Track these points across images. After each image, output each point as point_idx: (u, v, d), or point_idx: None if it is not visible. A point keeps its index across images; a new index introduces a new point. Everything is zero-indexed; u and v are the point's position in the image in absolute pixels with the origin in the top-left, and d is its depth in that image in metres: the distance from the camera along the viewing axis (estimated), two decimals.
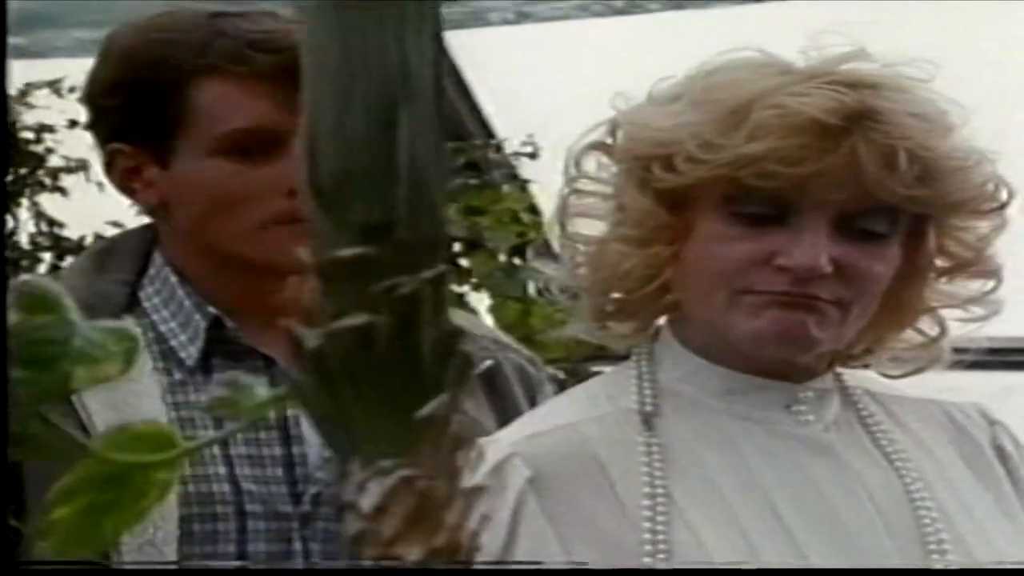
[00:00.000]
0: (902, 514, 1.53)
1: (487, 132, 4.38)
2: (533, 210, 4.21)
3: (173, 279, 1.95)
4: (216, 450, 1.87)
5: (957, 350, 1.68)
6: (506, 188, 4.23)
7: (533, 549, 1.53)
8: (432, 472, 1.12)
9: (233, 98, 1.83)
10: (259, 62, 1.81)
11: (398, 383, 1.12)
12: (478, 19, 3.81)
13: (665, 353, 1.63)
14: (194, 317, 1.92)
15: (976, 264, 1.64)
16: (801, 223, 1.53)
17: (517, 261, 4.09)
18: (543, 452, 1.61)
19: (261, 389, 1.15)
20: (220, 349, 1.93)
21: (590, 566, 1.51)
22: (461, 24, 3.59)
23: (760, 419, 1.57)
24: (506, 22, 3.87)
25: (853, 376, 1.66)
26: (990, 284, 1.66)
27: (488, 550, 1.56)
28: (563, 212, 1.68)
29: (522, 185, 4.23)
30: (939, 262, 1.63)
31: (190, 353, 1.91)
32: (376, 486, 1.11)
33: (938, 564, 1.51)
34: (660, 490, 1.53)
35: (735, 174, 1.52)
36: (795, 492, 1.53)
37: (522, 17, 3.85)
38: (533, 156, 4.24)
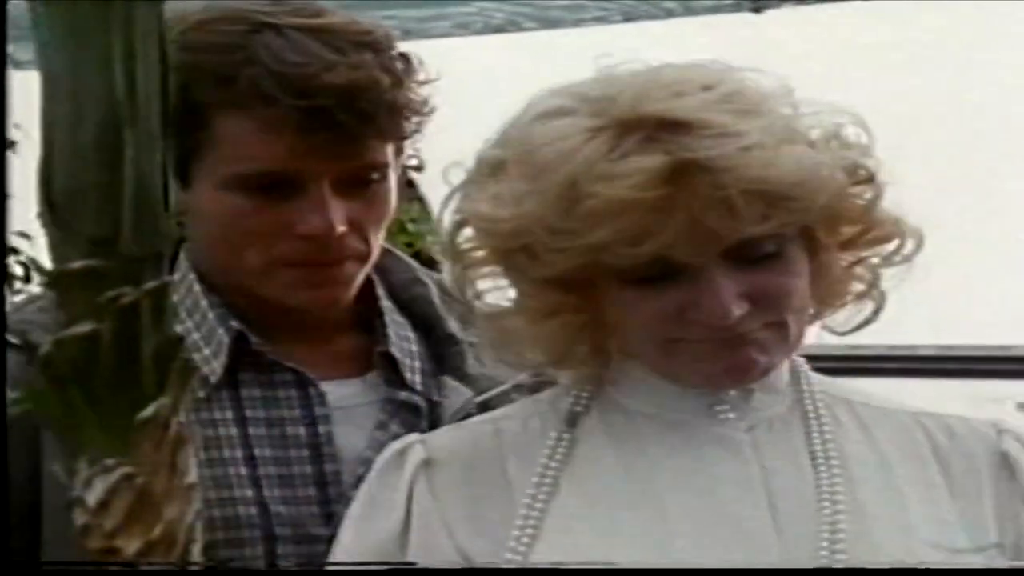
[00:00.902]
0: (803, 512, 1.52)
1: None
2: (418, 221, 4.29)
3: (198, 287, 1.83)
4: (243, 471, 1.75)
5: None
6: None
7: (420, 530, 1.56)
8: (152, 470, 1.20)
9: (252, 138, 1.72)
10: (281, 106, 1.69)
11: (121, 387, 1.19)
12: None
13: (612, 362, 1.60)
14: (217, 331, 1.80)
15: (873, 229, 1.59)
16: (695, 276, 1.48)
17: None
18: (447, 440, 1.62)
19: None
20: (248, 363, 1.80)
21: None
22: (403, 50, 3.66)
23: (677, 419, 1.57)
24: None
25: (824, 383, 1.63)
26: (895, 243, 1.59)
27: (390, 530, 1.56)
28: (463, 289, 1.60)
29: (409, 197, 4.29)
30: (844, 232, 1.58)
31: (213, 369, 1.78)
32: (100, 482, 1.19)
33: (823, 562, 1.48)
34: (548, 479, 1.55)
35: (598, 257, 1.47)
36: (685, 487, 1.53)
37: (407, 34, 3.92)
38: (419, 169, 4.30)
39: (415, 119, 1.78)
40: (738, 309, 1.48)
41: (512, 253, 1.52)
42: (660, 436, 1.56)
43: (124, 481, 1.19)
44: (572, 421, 1.58)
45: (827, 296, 1.59)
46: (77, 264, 1.20)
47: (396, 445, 1.61)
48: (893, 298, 1.66)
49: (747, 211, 1.45)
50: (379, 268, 1.88)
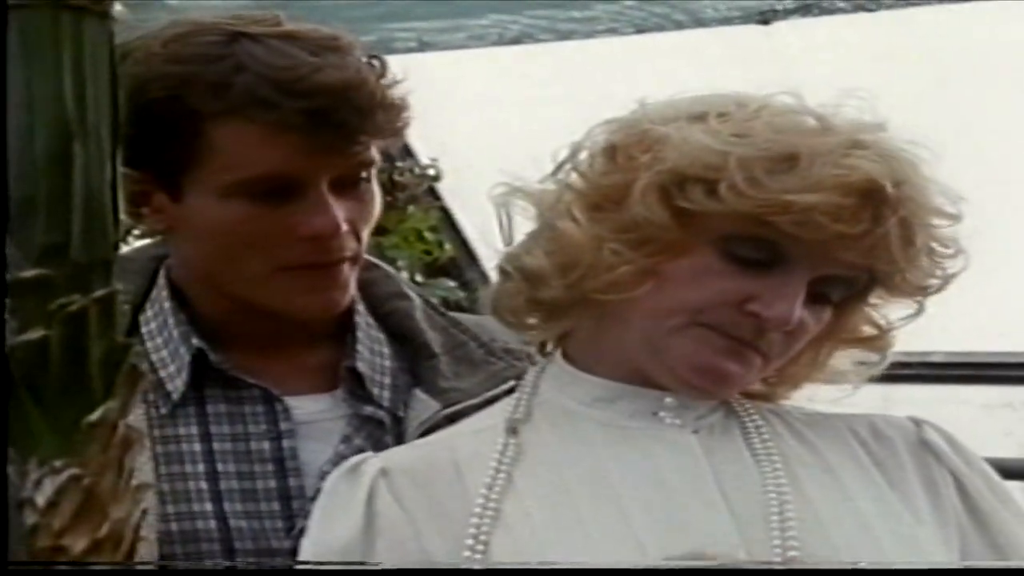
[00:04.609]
0: (753, 504, 1.57)
1: (408, 154, 4.50)
2: (435, 229, 4.34)
3: (168, 304, 1.84)
4: (203, 485, 1.77)
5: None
6: (411, 208, 4.36)
7: (386, 534, 1.59)
8: (99, 471, 1.24)
9: (252, 144, 1.71)
10: (283, 109, 1.70)
11: (70, 391, 1.23)
12: (384, 47, 3.92)
13: (550, 368, 1.69)
14: (180, 349, 1.81)
15: (879, 339, 1.70)
16: (786, 276, 1.57)
17: (419, 278, 4.22)
18: (401, 451, 1.69)
19: None
20: (215, 379, 1.81)
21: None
22: (368, 51, 3.69)
23: (623, 424, 1.62)
24: (409, 50, 3.99)
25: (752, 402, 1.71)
26: (876, 358, 1.71)
27: (348, 536, 1.60)
28: (555, 204, 1.64)
29: (426, 206, 4.35)
30: (848, 332, 1.69)
31: (176, 386, 1.79)
32: (49, 483, 1.23)
33: (777, 558, 1.53)
34: (503, 473, 1.59)
35: (773, 216, 1.54)
36: (638, 481, 1.58)
37: (425, 46, 3.96)
38: (436, 178, 4.36)
39: (403, 115, 1.78)
40: (796, 323, 1.57)
41: (690, 181, 1.56)
42: (606, 436, 1.62)
43: (72, 482, 1.23)
44: (515, 430, 1.64)
45: (794, 368, 1.67)
46: (30, 273, 1.24)
47: (349, 462, 1.65)
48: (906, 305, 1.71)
49: (918, 250, 1.57)
50: (361, 281, 1.87)
